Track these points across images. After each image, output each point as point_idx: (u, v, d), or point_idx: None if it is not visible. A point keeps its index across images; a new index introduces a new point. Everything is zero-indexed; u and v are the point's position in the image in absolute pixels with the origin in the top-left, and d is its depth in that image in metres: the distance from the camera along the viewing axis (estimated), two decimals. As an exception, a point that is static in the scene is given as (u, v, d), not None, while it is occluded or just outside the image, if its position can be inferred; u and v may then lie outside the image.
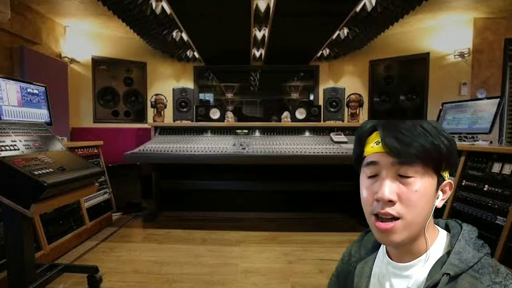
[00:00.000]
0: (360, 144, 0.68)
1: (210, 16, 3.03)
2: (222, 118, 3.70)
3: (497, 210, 1.78)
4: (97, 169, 1.93)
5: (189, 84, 4.68)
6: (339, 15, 3.03)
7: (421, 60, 4.05)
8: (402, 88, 4.28)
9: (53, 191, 1.49)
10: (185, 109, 3.72)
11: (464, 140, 2.48)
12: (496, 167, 1.88)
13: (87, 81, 4.20)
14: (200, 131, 3.54)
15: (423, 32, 4.02)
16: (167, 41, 3.71)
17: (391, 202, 0.59)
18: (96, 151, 3.13)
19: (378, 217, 0.61)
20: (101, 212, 3.02)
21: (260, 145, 3.09)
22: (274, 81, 5.08)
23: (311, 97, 4.97)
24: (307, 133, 3.53)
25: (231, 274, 2.12)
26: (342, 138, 3.27)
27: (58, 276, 1.93)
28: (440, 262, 0.60)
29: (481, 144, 2.29)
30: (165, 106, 3.76)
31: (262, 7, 2.83)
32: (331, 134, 3.38)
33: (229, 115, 3.80)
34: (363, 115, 3.89)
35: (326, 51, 4.26)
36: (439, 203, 0.64)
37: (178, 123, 3.68)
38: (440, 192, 0.64)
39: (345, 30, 3.47)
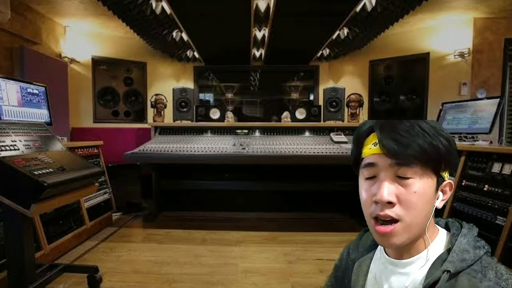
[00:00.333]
0: (358, 146, 0.67)
1: (210, 16, 3.03)
2: (222, 118, 3.70)
3: (497, 210, 1.78)
4: (97, 169, 1.93)
5: (189, 84, 4.68)
6: (339, 15, 3.03)
7: (421, 60, 4.05)
8: (402, 88, 4.28)
9: (53, 191, 1.49)
10: (185, 109, 3.72)
11: (464, 140, 2.48)
12: (496, 167, 1.88)
13: (87, 81, 4.20)
14: (200, 131, 3.54)
15: (423, 32, 4.01)
16: (167, 41, 3.70)
17: (390, 204, 0.59)
18: (96, 151, 3.13)
19: (378, 220, 0.61)
20: (101, 212, 3.02)
21: (260, 145, 3.09)
22: (274, 81, 5.08)
23: (311, 97, 4.97)
24: (307, 133, 3.53)
25: (231, 274, 2.12)
26: (342, 138, 3.27)
27: (58, 276, 1.94)
28: (440, 260, 0.59)
29: (481, 144, 2.29)
30: (165, 106, 3.75)
31: (262, 7, 2.83)
32: (331, 134, 3.38)
33: (229, 115, 3.80)
34: (363, 115, 3.89)
35: (326, 51, 4.26)
36: (439, 203, 0.63)
37: (178, 123, 3.68)
38: (440, 193, 0.63)
39: (345, 30, 3.47)
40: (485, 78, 3.66)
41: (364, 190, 0.64)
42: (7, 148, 1.57)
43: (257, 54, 4.31)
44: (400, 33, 4.10)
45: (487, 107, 2.43)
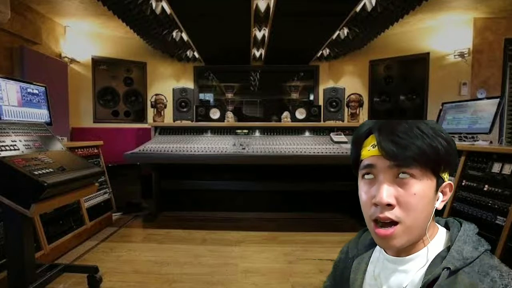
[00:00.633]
0: (357, 147, 0.67)
1: (210, 16, 3.03)
2: (222, 118, 3.70)
3: (497, 210, 1.78)
4: (97, 169, 1.93)
5: (189, 84, 4.68)
6: (339, 15, 3.03)
7: (421, 60, 4.05)
8: (402, 88, 4.28)
9: (53, 191, 1.49)
10: (185, 109, 3.72)
11: (464, 140, 2.48)
12: (496, 167, 1.88)
13: (87, 81, 4.20)
14: (200, 131, 3.54)
15: (423, 32, 4.01)
16: (167, 41, 3.70)
17: (389, 206, 0.59)
18: (96, 151, 3.13)
19: (378, 222, 0.61)
20: (101, 212, 3.02)
21: (260, 145, 3.09)
22: (274, 81, 5.08)
23: (311, 97, 4.97)
24: (307, 133, 3.53)
25: (231, 274, 2.12)
26: (342, 138, 3.28)
27: (58, 276, 1.94)
28: (440, 257, 0.59)
29: (481, 144, 2.29)
30: (165, 106, 3.75)
31: (262, 7, 2.83)
32: (331, 134, 3.38)
33: (229, 115, 3.80)
34: (363, 115, 3.89)
35: (326, 51, 4.26)
36: (439, 205, 0.63)
37: (178, 123, 3.68)
38: (440, 194, 0.63)
39: (345, 30, 3.47)
40: (485, 78, 3.66)
41: (363, 192, 0.64)
42: (7, 148, 1.57)
43: (257, 54, 4.31)
44: (400, 33, 4.10)
45: (487, 107, 2.43)
